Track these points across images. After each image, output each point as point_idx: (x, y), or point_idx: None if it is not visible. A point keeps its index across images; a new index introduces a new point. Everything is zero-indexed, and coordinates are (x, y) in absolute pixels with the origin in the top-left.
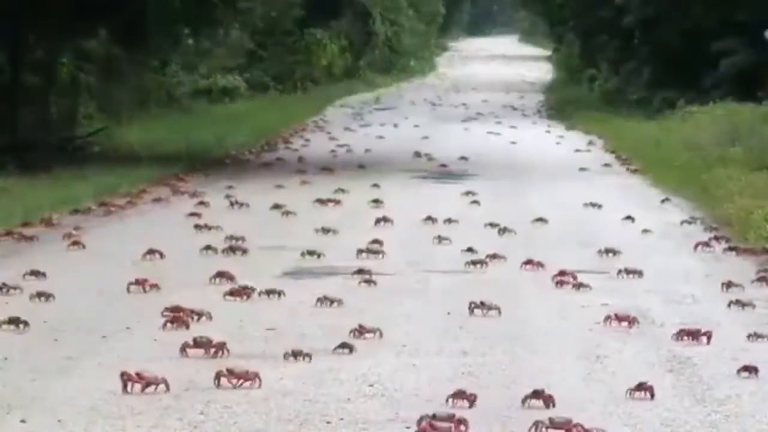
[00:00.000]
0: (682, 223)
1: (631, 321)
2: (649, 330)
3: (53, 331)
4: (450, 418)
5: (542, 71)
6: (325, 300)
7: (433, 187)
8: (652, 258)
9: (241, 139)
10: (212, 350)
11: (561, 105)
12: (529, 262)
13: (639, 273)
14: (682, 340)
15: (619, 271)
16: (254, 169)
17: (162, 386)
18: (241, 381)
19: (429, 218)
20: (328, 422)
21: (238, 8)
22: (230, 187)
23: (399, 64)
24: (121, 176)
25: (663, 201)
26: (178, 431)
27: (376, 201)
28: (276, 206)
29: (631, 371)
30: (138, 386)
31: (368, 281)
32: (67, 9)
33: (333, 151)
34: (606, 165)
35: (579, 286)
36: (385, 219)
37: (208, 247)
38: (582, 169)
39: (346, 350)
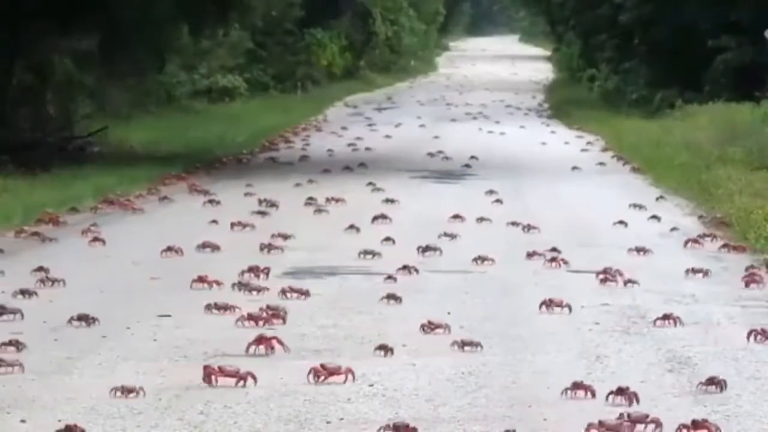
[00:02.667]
0: (680, 224)
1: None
2: (649, 330)
3: (53, 331)
4: (644, 418)
5: (545, 71)
6: (389, 298)
7: (448, 186)
8: (652, 257)
9: (242, 138)
10: (270, 346)
11: (562, 105)
12: (553, 259)
13: (706, 272)
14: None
15: (688, 271)
16: (257, 169)
17: (250, 380)
18: (332, 376)
19: (456, 216)
20: (328, 422)
21: (236, 9)
22: (250, 185)
23: (399, 64)
24: (121, 176)
25: (657, 199)
26: (178, 431)
27: (389, 201)
28: (271, 205)
29: (631, 371)
30: (223, 379)
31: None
32: (61, 9)
33: (330, 150)
34: (604, 164)
35: (628, 282)
36: (383, 216)
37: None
38: (575, 168)
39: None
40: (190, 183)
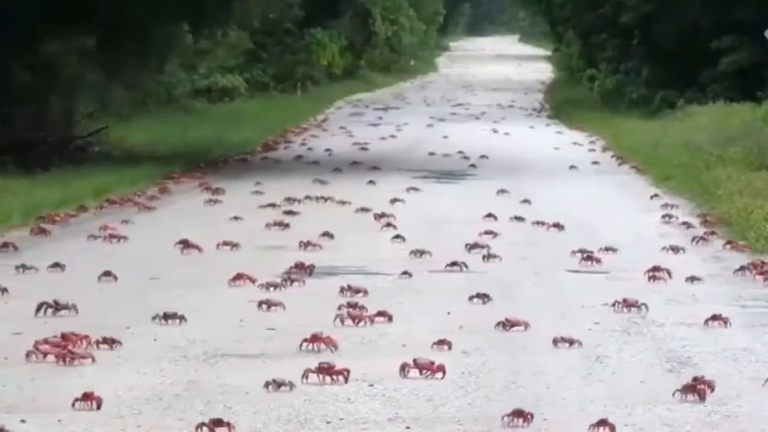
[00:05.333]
0: (681, 224)
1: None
2: (649, 330)
3: (53, 331)
4: None
5: (547, 71)
6: (479, 296)
7: (463, 186)
8: (651, 257)
9: (242, 138)
10: (329, 344)
11: (562, 105)
12: (588, 258)
13: (746, 270)
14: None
15: (737, 270)
16: (260, 168)
17: (342, 377)
18: (427, 372)
19: (489, 215)
20: (328, 422)
21: (234, 8)
22: (259, 183)
23: (399, 64)
24: (122, 175)
25: (652, 197)
26: (178, 431)
27: (395, 201)
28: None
29: (631, 371)
30: (326, 377)
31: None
32: (60, 8)
33: (333, 150)
34: (603, 164)
35: (693, 279)
36: (385, 215)
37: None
38: (572, 167)
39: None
40: (200, 182)
